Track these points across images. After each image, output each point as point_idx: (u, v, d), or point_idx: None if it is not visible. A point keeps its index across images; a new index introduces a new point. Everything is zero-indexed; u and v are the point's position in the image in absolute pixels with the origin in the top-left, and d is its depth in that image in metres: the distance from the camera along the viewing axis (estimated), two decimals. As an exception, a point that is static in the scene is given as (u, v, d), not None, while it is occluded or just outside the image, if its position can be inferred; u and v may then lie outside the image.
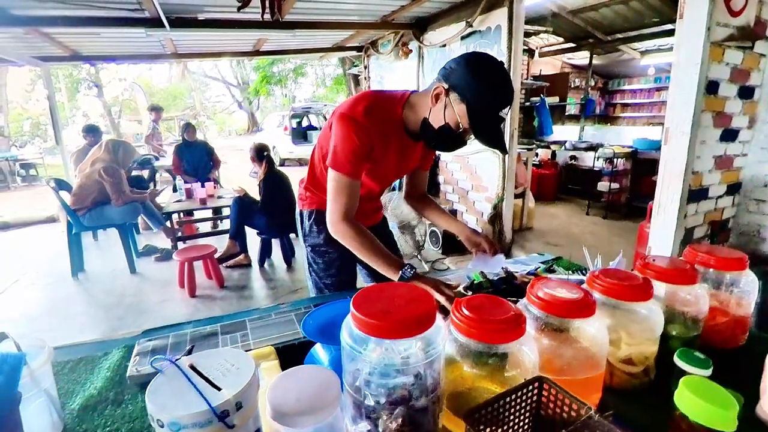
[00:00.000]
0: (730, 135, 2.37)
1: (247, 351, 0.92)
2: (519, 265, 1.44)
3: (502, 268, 1.30)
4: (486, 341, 0.60)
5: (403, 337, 0.53)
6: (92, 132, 4.63)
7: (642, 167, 5.35)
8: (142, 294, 3.35)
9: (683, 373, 0.71)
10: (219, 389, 0.48)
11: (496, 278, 1.17)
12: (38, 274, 3.84)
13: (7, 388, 0.54)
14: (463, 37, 3.79)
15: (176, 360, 0.54)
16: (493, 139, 1.05)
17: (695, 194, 2.32)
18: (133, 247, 3.90)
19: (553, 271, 1.22)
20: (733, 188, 2.54)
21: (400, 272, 1.06)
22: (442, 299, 0.97)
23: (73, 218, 3.50)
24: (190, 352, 0.94)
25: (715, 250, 0.92)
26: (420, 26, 4.36)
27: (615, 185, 5.30)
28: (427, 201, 1.47)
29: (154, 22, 3.41)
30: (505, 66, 3.28)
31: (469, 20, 3.60)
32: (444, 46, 4.07)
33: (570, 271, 1.23)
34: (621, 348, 0.78)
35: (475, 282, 1.15)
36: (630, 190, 5.47)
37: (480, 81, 0.99)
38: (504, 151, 1.07)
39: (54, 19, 3.19)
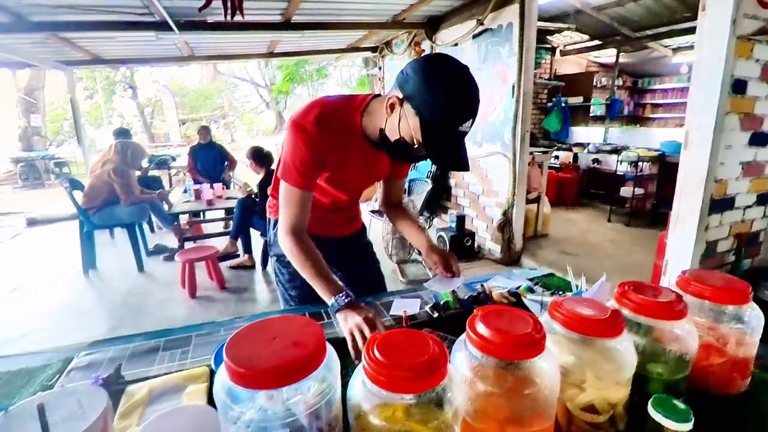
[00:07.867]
0: (760, 139, 2.15)
1: (179, 371, 0.86)
2: (507, 280, 1.32)
3: (481, 284, 1.19)
4: (396, 391, 0.50)
5: (273, 387, 0.44)
6: (122, 135, 4.57)
7: (670, 172, 5.01)
8: (147, 293, 3.38)
9: (659, 426, 0.59)
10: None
11: (466, 298, 1.06)
12: (53, 271, 3.95)
13: None
14: (474, 36, 3.66)
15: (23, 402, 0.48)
16: (449, 158, 0.92)
17: (719, 204, 2.12)
18: (143, 246, 3.96)
19: (533, 291, 1.10)
20: (765, 198, 2.31)
21: (333, 299, 0.96)
22: (350, 345, 0.88)
23: (84, 217, 3.58)
24: (118, 371, 0.89)
25: (711, 277, 0.79)
26: (432, 25, 4.25)
27: (639, 191, 5.01)
28: (399, 211, 1.36)
29: (163, 26, 3.45)
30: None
31: (480, 18, 3.47)
32: (456, 45, 3.94)
33: (551, 292, 1.10)
34: (584, 391, 0.66)
35: (443, 302, 1.05)
36: (656, 195, 5.17)
37: (434, 92, 0.85)
38: (465, 170, 0.93)
39: (67, 24, 3.27)
